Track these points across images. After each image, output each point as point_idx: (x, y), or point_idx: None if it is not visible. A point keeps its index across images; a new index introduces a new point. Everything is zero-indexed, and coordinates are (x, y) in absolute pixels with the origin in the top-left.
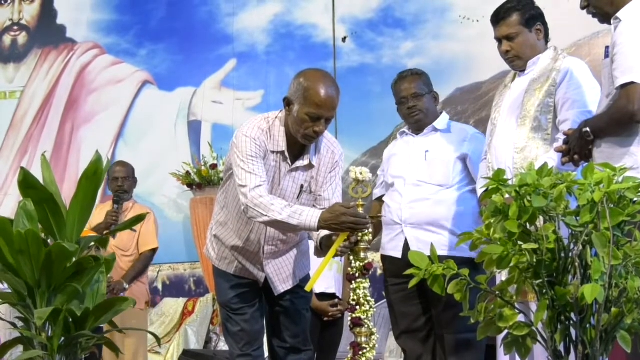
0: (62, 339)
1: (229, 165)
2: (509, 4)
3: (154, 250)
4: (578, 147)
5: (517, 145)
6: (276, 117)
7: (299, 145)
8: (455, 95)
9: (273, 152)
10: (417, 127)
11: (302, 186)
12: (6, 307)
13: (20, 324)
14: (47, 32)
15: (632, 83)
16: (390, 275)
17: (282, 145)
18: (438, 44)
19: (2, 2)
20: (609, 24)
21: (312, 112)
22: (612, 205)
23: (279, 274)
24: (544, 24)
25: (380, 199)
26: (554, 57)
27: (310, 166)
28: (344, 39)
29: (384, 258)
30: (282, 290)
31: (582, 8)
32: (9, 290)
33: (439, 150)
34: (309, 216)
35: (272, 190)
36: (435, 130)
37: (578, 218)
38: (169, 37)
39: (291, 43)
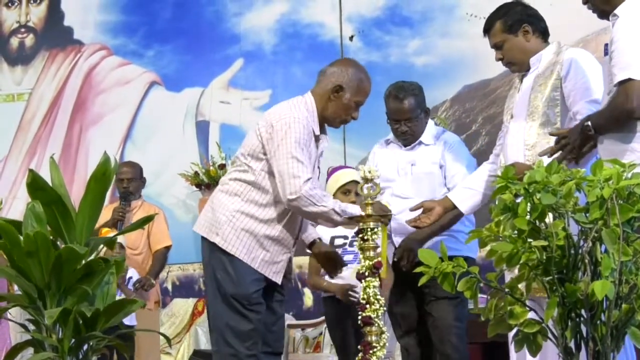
0: (73, 340)
1: (258, 150)
2: (495, 13)
3: (168, 248)
4: (579, 141)
5: (528, 142)
6: (306, 103)
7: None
8: (463, 93)
9: (314, 135)
10: (405, 144)
11: (319, 168)
12: (17, 310)
13: (31, 326)
14: (55, 34)
15: (629, 80)
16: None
17: (318, 129)
18: (445, 42)
19: (9, 4)
20: (609, 20)
21: (361, 101)
22: (622, 202)
23: (291, 267)
24: (533, 22)
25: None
26: (556, 51)
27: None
28: (351, 38)
29: None
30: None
31: (584, 3)
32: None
33: (424, 164)
34: (354, 210)
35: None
36: (421, 143)
37: (587, 214)
38: (176, 38)
39: (298, 42)
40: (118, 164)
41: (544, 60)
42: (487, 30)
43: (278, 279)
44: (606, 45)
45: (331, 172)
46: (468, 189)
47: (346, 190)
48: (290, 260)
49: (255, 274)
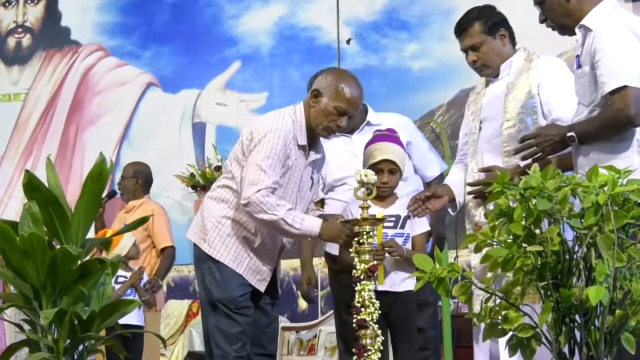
0: (68, 341)
1: (240, 157)
2: (469, 14)
3: (172, 248)
4: (551, 149)
5: (506, 149)
6: (295, 112)
7: (310, 139)
8: (460, 97)
9: (298, 145)
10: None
11: (312, 178)
12: (12, 310)
13: (26, 326)
14: (52, 34)
15: (625, 87)
16: (339, 273)
17: (305, 139)
18: (442, 46)
19: (7, 4)
20: (570, 34)
21: (341, 106)
22: (617, 208)
23: (278, 274)
24: (508, 28)
25: (320, 201)
26: (526, 57)
27: (317, 159)
28: (348, 41)
29: (330, 256)
30: (278, 291)
31: (541, 22)
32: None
33: None
34: (311, 224)
35: (294, 184)
36: (370, 124)
37: (582, 220)
38: (173, 40)
39: (295, 45)
40: (115, 166)
41: (514, 67)
42: (464, 30)
43: (261, 287)
44: (577, 57)
45: (371, 139)
46: (460, 182)
47: (378, 170)
48: (275, 270)
49: (241, 279)
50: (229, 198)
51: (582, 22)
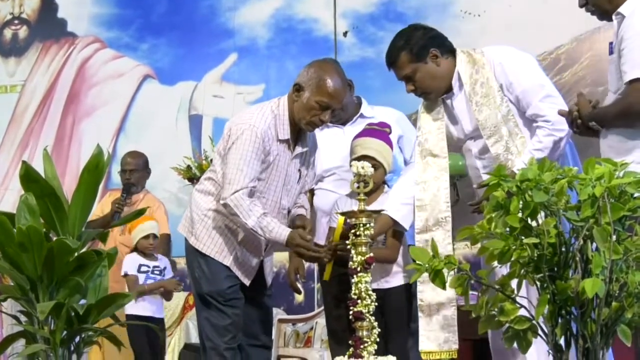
0: (65, 332)
1: (223, 152)
2: (396, 43)
3: (169, 236)
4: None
5: (501, 163)
6: (278, 106)
7: (295, 132)
8: None
9: (280, 140)
10: (340, 121)
11: (299, 171)
12: (9, 302)
13: (23, 318)
14: (48, 26)
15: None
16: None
17: (288, 133)
18: None
19: None
20: (608, 20)
21: (323, 100)
22: (613, 200)
23: (269, 266)
24: (439, 45)
25: (309, 191)
26: (469, 60)
27: (304, 152)
28: (345, 34)
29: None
30: (269, 283)
31: (581, 6)
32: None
33: None
34: (278, 234)
35: (278, 178)
36: (364, 117)
37: (579, 213)
38: (170, 32)
39: (292, 37)
40: (112, 157)
41: (464, 77)
42: (393, 63)
43: (247, 281)
44: (611, 44)
45: (358, 133)
46: (407, 205)
47: None
48: (262, 264)
49: (229, 271)
50: (214, 191)
51: (619, 9)
